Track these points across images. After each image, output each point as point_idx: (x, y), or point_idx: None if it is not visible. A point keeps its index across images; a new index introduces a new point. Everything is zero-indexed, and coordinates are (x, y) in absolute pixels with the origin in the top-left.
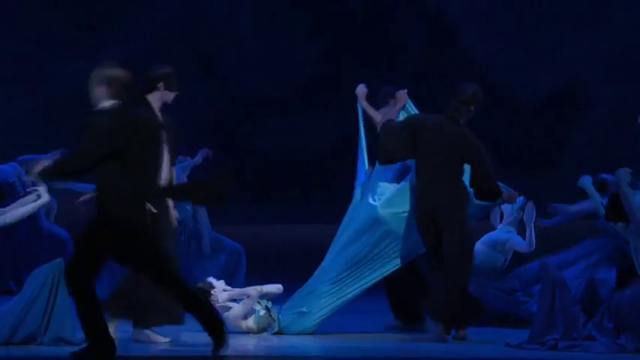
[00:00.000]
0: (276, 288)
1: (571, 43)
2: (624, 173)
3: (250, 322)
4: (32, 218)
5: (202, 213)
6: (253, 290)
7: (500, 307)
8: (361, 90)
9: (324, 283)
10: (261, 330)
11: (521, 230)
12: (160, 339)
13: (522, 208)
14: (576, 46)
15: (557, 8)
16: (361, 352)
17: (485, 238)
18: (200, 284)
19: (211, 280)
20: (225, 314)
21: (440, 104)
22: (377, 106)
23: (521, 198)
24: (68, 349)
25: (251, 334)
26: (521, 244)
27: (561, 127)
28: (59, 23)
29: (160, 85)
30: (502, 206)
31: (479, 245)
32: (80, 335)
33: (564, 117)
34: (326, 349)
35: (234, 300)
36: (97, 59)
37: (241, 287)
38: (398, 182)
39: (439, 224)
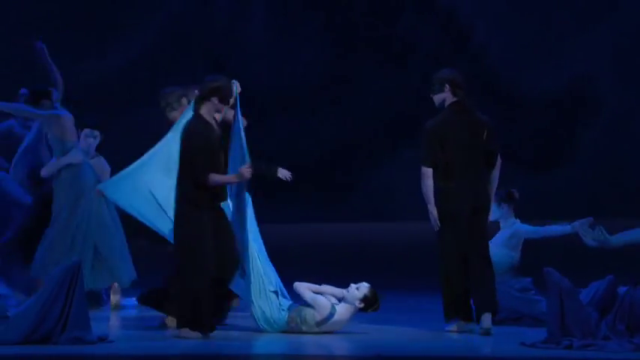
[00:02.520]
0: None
1: (582, 41)
2: None
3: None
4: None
5: None
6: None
7: (513, 305)
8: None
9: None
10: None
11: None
12: None
13: (505, 200)
14: (587, 45)
15: (570, 6)
16: (381, 349)
17: (495, 239)
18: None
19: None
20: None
21: None
22: None
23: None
24: (83, 349)
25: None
26: (528, 229)
27: (573, 126)
28: (66, 23)
29: None
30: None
31: (492, 247)
32: (96, 335)
33: (575, 116)
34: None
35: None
36: (106, 57)
37: None
38: None
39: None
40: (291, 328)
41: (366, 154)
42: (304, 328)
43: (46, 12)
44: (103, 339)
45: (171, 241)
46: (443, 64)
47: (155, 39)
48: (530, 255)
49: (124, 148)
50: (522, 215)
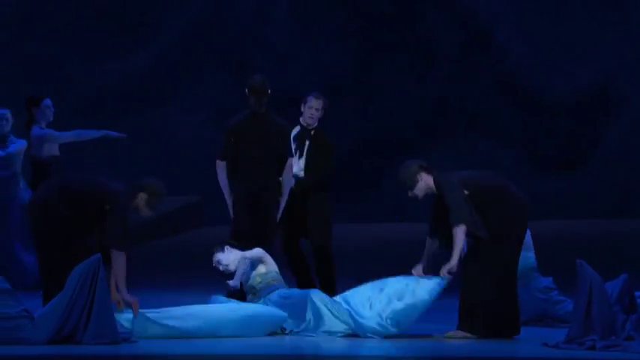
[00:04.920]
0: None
1: (604, 41)
2: None
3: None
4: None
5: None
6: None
7: (536, 307)
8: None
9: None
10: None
11: None
12: None
13: None
14: (609, 45)
15: (590, 7)
16: (397, 350)
17: None
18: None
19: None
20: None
21: (473, 104)
22: None
23: None
24: (107, 349)
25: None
26: None
27: (595, 127)
28: (88, 24)
29: None
30: None
31: None
32: (120, 334)
33: (598, 116)
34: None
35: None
36: (127, 59)
37: None
38: None
39: None
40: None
41: (389, 154)
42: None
43: (66, 13)
44: (126, 339)
45: None
46: (465, 66)
47: (177, 40)
48: (546, 253)
49: (142, 149)
50: (545, 216)
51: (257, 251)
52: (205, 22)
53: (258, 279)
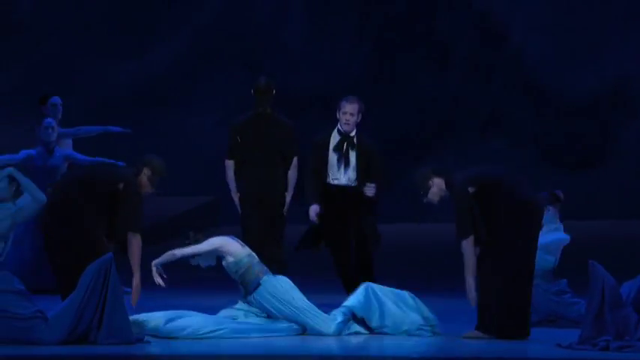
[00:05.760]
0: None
1: (620, 41)
2: None
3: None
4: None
5: None
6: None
7: (549, 308)
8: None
9: None
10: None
11: None
12: None
13: (549, 202)
14: (625, 44)
15: (607, 6)
16: (410, 351)
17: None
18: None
19: None
20: None
21: (487, 104)
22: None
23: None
24: (120, 349)
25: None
26: (564, 238)
27: (611, 127)
28: (104, 24)
29: None
30: None
31: None
32: (133, 333)
33: (614, 116)
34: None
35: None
36: (142, 60)
37: None
38: None
39: None
40: None
41: (403, 154)
42: None
43: (83, 12)
44: (140, 339)
45: None
46: (479, 65)
47: (192, 40)
48: (561, 254)
49: (156, 149)
50: (561, 216)
51: (210, 242)
52: (219, 24)
53: (234, 269)
